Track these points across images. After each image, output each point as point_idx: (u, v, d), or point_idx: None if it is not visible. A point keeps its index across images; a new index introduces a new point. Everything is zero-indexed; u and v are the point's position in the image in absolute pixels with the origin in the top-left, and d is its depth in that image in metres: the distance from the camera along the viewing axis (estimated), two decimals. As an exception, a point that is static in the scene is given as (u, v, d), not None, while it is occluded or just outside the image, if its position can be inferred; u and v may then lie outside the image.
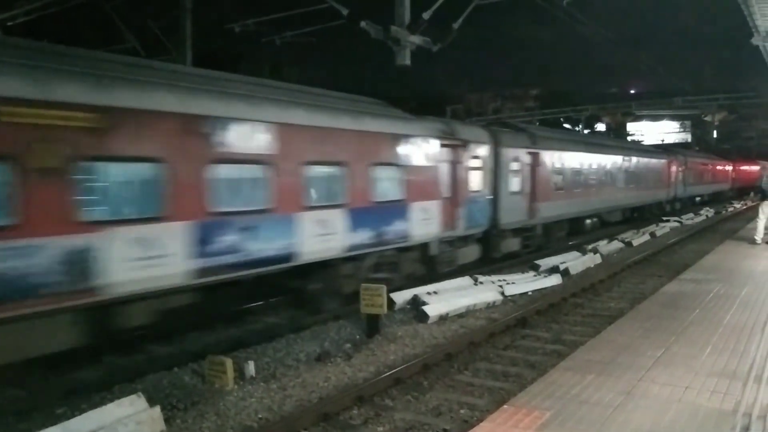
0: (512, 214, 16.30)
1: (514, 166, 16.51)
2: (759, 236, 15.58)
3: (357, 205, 10.69)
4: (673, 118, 70.98)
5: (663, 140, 65.44)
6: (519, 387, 7.19)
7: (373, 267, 11.54)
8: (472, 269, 14.78)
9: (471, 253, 14.90)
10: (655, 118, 69.73)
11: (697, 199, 40.82)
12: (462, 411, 6.97)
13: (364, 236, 10.88)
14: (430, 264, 13.26)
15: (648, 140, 60.59)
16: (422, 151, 12.48)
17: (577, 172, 20.76)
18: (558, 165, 19.21)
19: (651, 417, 4.89)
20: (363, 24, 10.81)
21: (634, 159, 27.07)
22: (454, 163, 13.72)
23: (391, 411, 7.00)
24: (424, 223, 12.45)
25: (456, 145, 13.72)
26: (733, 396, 5.32)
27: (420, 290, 11.80)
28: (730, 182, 51.68)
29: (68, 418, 6.16)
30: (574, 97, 54.57)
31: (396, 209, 11.73)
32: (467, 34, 14.03)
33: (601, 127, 60.58)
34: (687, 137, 69.80)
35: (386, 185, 11.53)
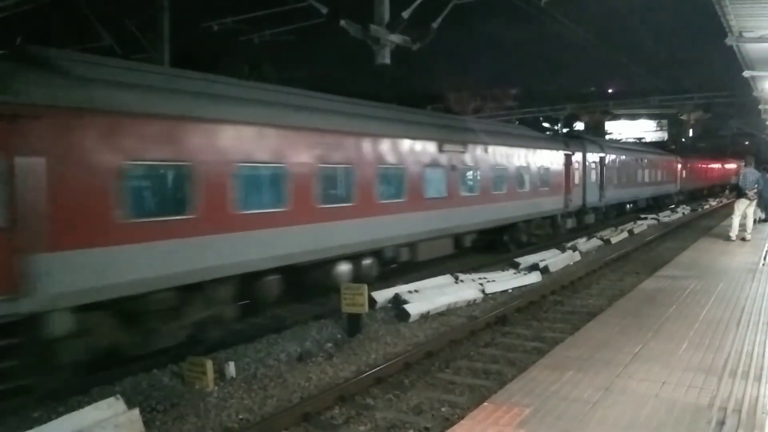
0: None
1: None
2: (734, 233, 15.84)
3: None
4: (650, 117, 72.15)
5: (641, 138, 66.39)
6: (499, 384, 7.24)
7: None
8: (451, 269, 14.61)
9: None
10: (633, 117, 70.78)
11: (629, 206, 30.92)
12: (443, 409, 7.00)
13: None
14: None
15: (626, 139, 61.22)
16: None
17: (255, 174, 9.71)
18: (168, 154, 8.28)
19: (629, 412, 4.95)
20: (342, 23, 10.77)
21: (475, 149, 15.85)
22: None
23: (373, 410, 7.01)
24: None
25: None
26: (709, 390, 5.40)
27: (401, 289, 11.82)
28: (677, 183, 40.61)
29: (44, 422, 6.09)
30: (553, 97, 55.05)
31: None
32: (447, 33, 14.01)
33: (580, 125, 61.22)
34: (664, 135, 70.98)
35: None
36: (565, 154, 21.82)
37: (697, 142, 62.06)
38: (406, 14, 11.18)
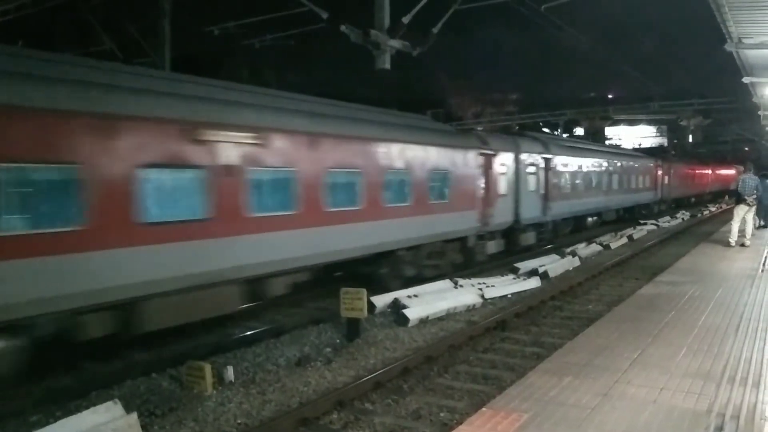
0: None
1: None
2: (733, 239, 15.85)
3: None
4: (650, 122, 72.32)
5: (640, 144, 66.48)
6: (498, 390, 7.23)
7: None
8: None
9: None
10: (633, 122, 70.94)
11: (590, 220, 26.04)
12: (442, 414, 6.99)
13: None
14: None
15: (626, 144, 61.26)
16: None
17: None
18: None
19: (627, 418, 4.95)
20: (343, 28, 10.83)
21: (288, 140, 10.32)
22: None
23: (371, 415, 7.00)
24: None
25: None
26: (707, 396, 5.40)
27: (400, 294, 11.82)
28: (658, 191, 35.49)
29: (42, 426, 6.08)
30: (552, 102, 55.15)
31: None
32: (447, 39, 13.95)
33: (579, 131, 61.31)
34: (664, 141, 71.22)
35: None
36: (482, 154, 16.14)
37: (697, 148, 62.05)
38: (406, 20, 11.24)
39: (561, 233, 22.18)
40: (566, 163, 21.89)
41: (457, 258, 15.40)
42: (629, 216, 30.52)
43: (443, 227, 14.34)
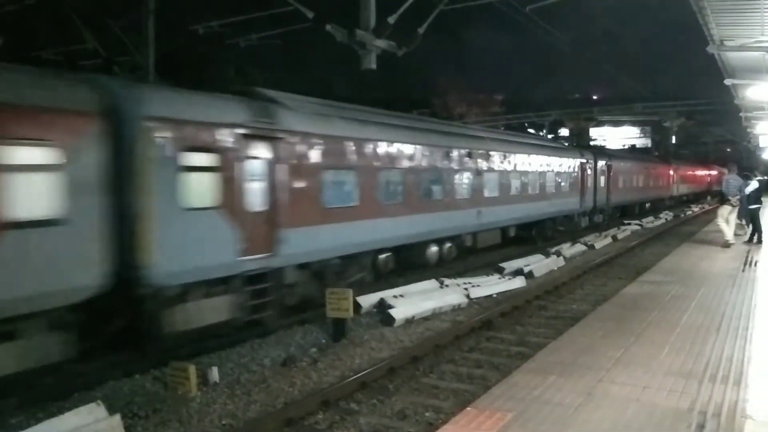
0: None
1: None
2: (729, 236, 15.94)
3: None
4: (634, 123, 73.01)
5: (624, 145, 67.07)
6: (483, 389, 7.24)
7: None
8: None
9: None
10: (617, 123, 71.61)
11: (435, 249, 14.93)
12: (427, 414, 7.00)
13: None
14: None
15: (610, 145, 61.74)
16: None
17: None
18: None
19: (610, 417, 4.99)
20: (328, 27, 10.78)
21: None
22: None
23: (357, 415, 7.00)
24: None
25: None
26: (689, 395, 5.45)
27: (386, 294, 11.82)
28: (587, 196, 25.44)
29: (24, 428, 6.01)
30: (538, 103, 55.52)
31: None
32: (432, 39, 13.91)
33: (564, 132, 61.74)
34: (647, 142, 71.97)
35: None
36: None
37: (680, 149, 62.81)
38: (392, 20, 11.21)
39: (334, 284, 10.82)
40: (343, 151, 11.65)
41: None
42: (539, 234, 21.36)
43: None
